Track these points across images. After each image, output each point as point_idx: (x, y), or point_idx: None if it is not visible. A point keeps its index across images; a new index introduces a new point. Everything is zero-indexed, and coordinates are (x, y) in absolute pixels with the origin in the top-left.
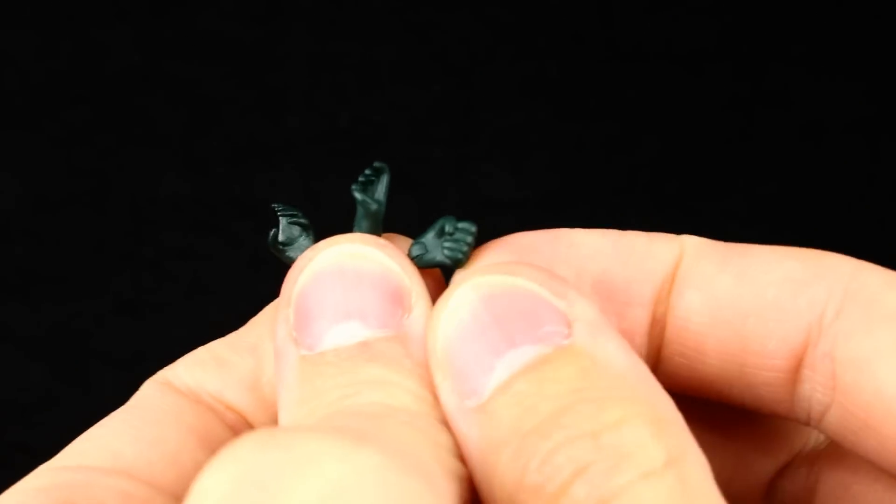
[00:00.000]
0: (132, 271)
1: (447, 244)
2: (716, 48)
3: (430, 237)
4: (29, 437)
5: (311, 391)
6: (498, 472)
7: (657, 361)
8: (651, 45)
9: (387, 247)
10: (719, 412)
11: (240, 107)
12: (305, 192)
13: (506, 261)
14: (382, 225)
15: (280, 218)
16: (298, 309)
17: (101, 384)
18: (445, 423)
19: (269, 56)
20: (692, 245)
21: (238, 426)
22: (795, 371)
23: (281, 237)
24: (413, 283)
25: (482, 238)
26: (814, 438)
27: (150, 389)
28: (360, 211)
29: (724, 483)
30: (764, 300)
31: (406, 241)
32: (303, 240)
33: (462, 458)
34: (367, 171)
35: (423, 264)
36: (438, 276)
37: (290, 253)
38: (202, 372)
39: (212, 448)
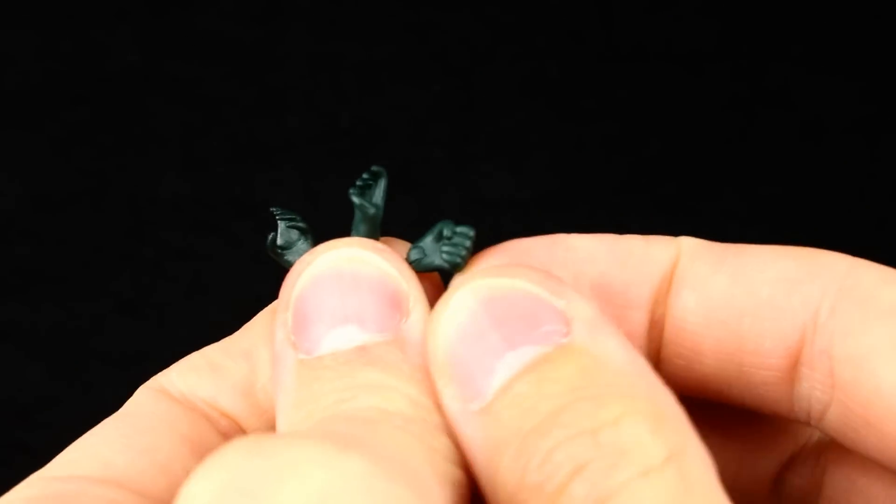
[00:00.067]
0: (132, 271)
1: (445, 248)
2: (716, 48)
3: (428, 241)
4: (28, 437)
5: (309, 395)
6: (500, 473)
7: (656, 363)
8: (651, 45)
9: (385, 251)
10: (720, 410)
11: (240, 107)
12: (305, 193)
13: (504, 263)
14: (380, 228)
15: (278, 221)
16: (297, 313)
17: (101, 384)
18: (442, 428)
19: (269, 56)
20: (688, 246)
21: (232, 433)
22: (793, 370)
23: (279, 241)
24: (411, 287)
25: (481, 239)
26: (818, 432)
27: (144, 396)
28: (357, 215)
29: (730, 480)
30: (759, 299)
31: (404, 245)
32: (301, 243)
33: (460, 463)
34: (365, 175)
35: (421, 268)
36: (436, 280)
37: (289, 256)
38: (196, 377)
39: (204, 456)
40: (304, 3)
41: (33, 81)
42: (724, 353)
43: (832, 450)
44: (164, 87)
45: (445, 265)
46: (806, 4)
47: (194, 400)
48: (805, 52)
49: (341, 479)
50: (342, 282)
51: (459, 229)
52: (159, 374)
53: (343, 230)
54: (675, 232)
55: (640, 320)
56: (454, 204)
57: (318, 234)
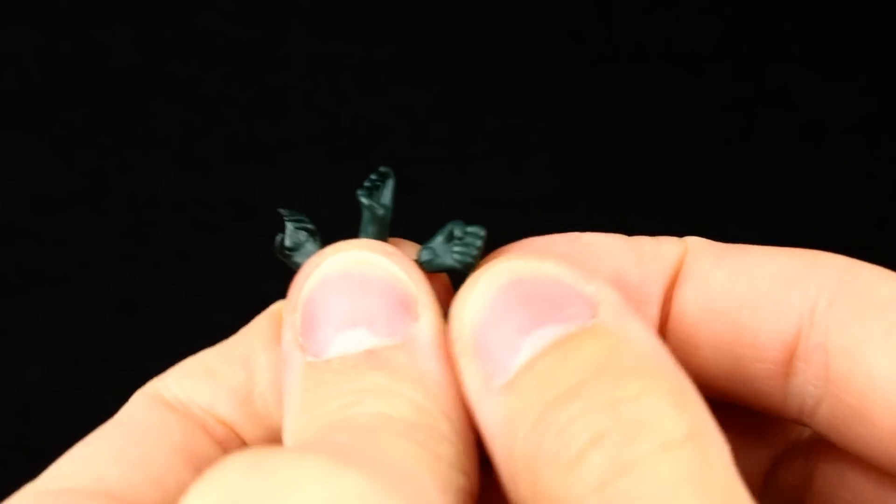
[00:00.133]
0: (132, 271)
1: (457, 248)
2: (716, 48)
3: (438, 242)
4: (29, 437)
5: (315, 398)
6: (517, 445)
7: None
8: (651, 45)
9: (394, 253)
10: (714, 407)
11: (240, 107)
12: (305, 192)
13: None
14: (389, 230)
15: (286, 223)
16: (305, 315)
17: (101, 384)
18: (448, 434)
19: (269, 56)
20: (694, 245)
21: (228, 441)
22: (788, 364)
23: (287, 242)
24: (420, 290)
25: (487, 240)
26: (808, 430)
27: (138, 404)
28: (366, 216)
29: None
30: (757, 292)
31: (413, 247)
32: (309, 245)
33: (465, 470)
34: (373, 176)
35: (432, 269)
36: (446, 282)
37: (297, 258)
38: (192, 384)
39: (198, 468)
40: (304, 3)
41: (33, 81)
42: (722, 344)
43: (822, 447)
44: (164, 87)
45: (457, 265)
46: (806, 4)
47: (191, 406)
48: (805, 52)
49: (340, 497)
50: (351, 284)
51: (470, 229)
52: (155, 379)
53: (343, 230)
54: (676, 232)
55: (652, 316)
56: (454, 204)
57: (320, 235)
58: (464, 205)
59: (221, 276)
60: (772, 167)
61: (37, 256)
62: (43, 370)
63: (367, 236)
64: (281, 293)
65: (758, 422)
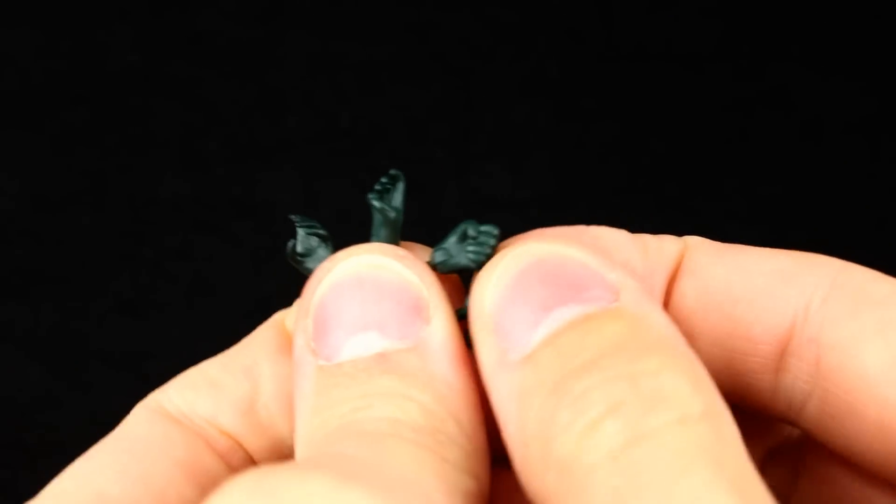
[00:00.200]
0: (132, 271)
1: (471, 248)
2: (716, 48)
3: (452, 242)
4: (29, 437)
5: (326, 402)
6: (531, 414)
7: None
8: (651, 45)
9: (405, 257)
10: None
11: (240, 107)
12: (305, 192)
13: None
14: (400, 233)
15: (298, 229)
16: (317, 319)
17: (101, 384)
18: (456, 437)
19: (269, 56)
20: (693, 243)
21: (231, 452)
22: (780, 359)
23: (299, 248)
24: (431, 293)
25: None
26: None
27: (140, 417)
28: (377, 219)
29: None
30: (753, 287)
31: (424, 250)
32: (321, 250)
33: (473, 472)
34: (384, 179)
35: (447, 270)
36: (457, 283)
37: (309, 264)
38: (194, 395)
39: (201, 482)
40: (304, 3)
41: (33, 81)
42: (716, 337)
43: (808, 447)
44: (164, 87)
45: (472, 265)
46: (806, 4)
47: (193, 418)
48: (805, 52)
49: None
50: (363, 288)
51: (483, 228)
52: (157, 391)
53: (342, 229)
54: (676, 231)
55: None
56: (454, 204)
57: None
58: (464, 205)
59: (221, 276)
60: (772, 167)
61: (37, 256)
62: (43, 370)
63: (379, 240)
64: (280, 293)
65: (746, 422)
